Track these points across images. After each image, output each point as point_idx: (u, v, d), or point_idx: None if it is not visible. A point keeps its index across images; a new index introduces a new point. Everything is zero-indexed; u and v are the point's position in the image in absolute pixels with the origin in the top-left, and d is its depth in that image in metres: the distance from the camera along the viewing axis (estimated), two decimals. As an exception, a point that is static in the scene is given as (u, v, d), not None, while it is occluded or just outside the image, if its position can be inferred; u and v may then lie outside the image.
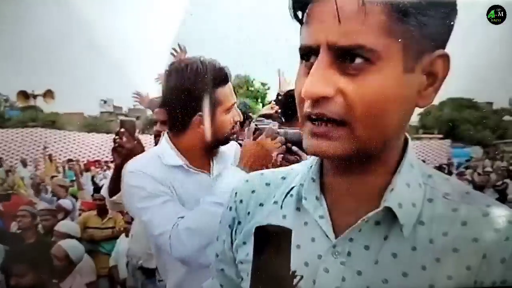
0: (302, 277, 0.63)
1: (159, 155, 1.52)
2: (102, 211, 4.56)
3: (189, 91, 1.44)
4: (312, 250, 0.70)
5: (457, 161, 14.85)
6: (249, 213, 0.81)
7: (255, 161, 1.43)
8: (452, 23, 0.62)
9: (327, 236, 0.70)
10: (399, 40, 0.58)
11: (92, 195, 5.43)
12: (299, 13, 0.63)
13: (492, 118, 41.29)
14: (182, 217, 1.38)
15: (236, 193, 0.85)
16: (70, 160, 11.89)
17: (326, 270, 0.69)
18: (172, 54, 2.57)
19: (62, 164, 11.35)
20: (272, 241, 0.59)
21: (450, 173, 10.58)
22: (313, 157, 0.75)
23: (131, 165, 1.52)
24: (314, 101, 0.61)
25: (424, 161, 12.90)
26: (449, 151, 16.60)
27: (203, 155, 1.56)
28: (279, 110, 2.75)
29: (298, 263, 0.67)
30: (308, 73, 0.61)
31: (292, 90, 0.70)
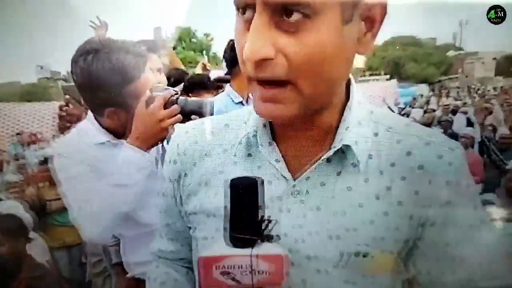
0: (276, 221, 0.65)
1: (84, 133, 1.47)
2: (53, 182, 4.41)
3: (96, 87, 1.35)
4: (270, 192, 0.71)
5: (404, 100, 15.15)
6: (195, 163, 0.81)
7: (146, 132, 1.33)
8: None
9: (284, 177, 0.73)
10: None
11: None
12: None
13: (436, 54, 42.62)
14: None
15: (177, 145, 0.83)
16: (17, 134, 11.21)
17: (288, 210, 0.73)
18: (91, 26, 2.38)
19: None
20: (245, 191, 0.62)
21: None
22: None
23: (54, 148, 1.49)
24: (256, 64, 0.59)
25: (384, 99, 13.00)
26: (396, 91, 16.76)
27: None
28: (211, 69, 2.73)
29: None
30: (247, 28, 0.60)
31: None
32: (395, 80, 22.47)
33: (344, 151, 0.70)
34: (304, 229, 0.71)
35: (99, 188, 1.33)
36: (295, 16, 0.56)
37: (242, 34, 0.61)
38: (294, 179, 0.73)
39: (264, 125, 0.74)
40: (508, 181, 3.16)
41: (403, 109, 11.83)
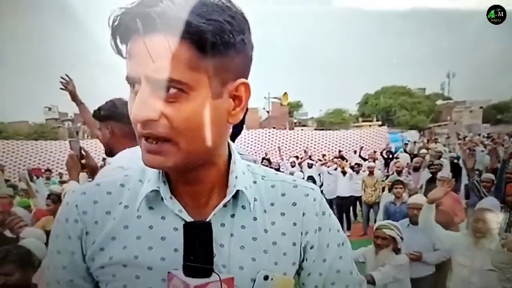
0: (215, 254, 0.76)
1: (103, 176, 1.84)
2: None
3: (118, 116, 1.92)
4: (178, 238, 0.76)
5: (395, 145, 15.44)
6: (96, 222, 0.83)
7: None
8: (250, 57, 0.76)
9: None
10: (204, 73, 0.68)
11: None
12: (122, 48, 0.70)
13: (425, 103, 43.37)
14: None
15: (76, 205, 0.84)
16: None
17: None
18: (61, 88, 3.03)
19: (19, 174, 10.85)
20: (199, 232, 0.74)
21: (390, 158, 11.16)
22: None
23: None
24: (143, 123, 0.70)
25: (362, 147, 13.13)
26: (387, 137, 17.35)
27: None
28: None
29: (167, 251, 0.80)
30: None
31: None
32: (386, 126, 23.07)
33: (235, 197, 0.83)
34: (214, 263, 0.77)
35: None
36: (172, 90, 0.67)
37: (132, 102, 0.70)
38: None
39: (164, 182, 0.82)
40: None
41: (394, 153, 12.18)
